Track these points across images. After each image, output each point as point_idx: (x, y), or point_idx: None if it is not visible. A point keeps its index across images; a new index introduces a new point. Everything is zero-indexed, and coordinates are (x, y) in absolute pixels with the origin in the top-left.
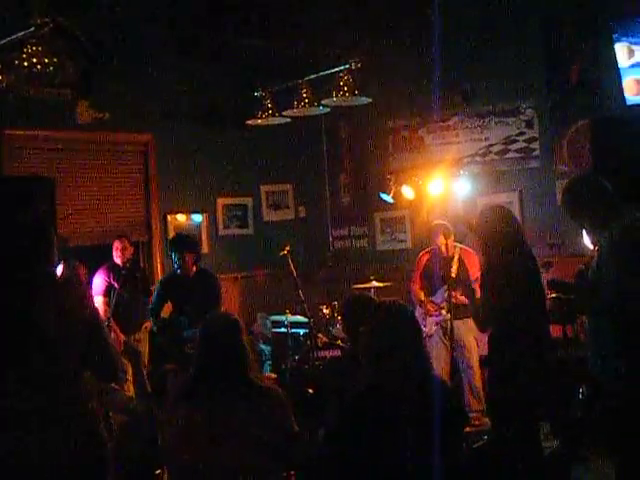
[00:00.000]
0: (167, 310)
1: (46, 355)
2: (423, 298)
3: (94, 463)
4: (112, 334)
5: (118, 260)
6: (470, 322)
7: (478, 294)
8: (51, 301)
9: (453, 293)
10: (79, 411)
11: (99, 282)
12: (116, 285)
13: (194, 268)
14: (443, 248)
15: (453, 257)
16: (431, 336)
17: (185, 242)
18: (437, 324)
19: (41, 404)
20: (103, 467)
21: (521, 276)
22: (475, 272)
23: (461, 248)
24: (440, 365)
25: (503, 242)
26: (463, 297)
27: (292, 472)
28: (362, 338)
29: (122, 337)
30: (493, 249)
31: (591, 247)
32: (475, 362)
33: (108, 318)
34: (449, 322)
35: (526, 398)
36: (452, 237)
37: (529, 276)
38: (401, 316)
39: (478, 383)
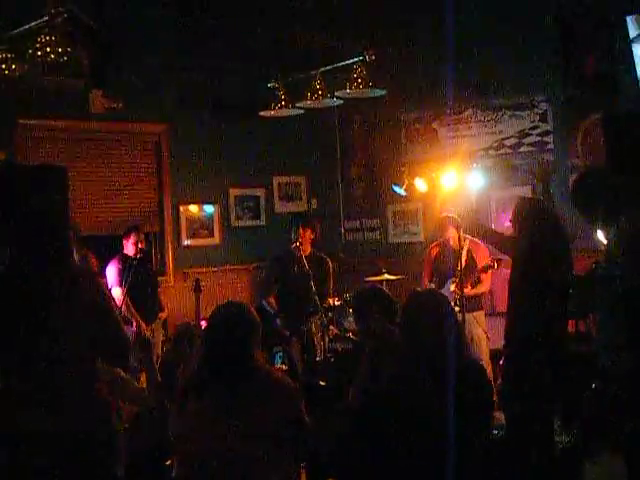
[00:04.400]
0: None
1: (55, 341)
2: None
3: (103, 450)
4: (134, 323)
5: (130, 252)
6: (479, 315)
7: (483, 286)
8: (63, 288)
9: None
10: (89, 397)
11: (113, 273)
12: (129, 275)
13: (309, 248)
14: (453, 241)
15: (462, 249)
16: None
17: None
18: None
19: (50, 389)
20: (112, 455)
21: (544, 267)
22: (483, 262)
23: (470, 240)
24: None
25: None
26: (467, 289)
27: (302, 464)
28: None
29: (144, 326)
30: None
31: (604, 242)
32: (485, 356)
33: (127, 308)
34: (459, 315)
35: (541, 392)
36: (461, 229)
37: (551, 268)
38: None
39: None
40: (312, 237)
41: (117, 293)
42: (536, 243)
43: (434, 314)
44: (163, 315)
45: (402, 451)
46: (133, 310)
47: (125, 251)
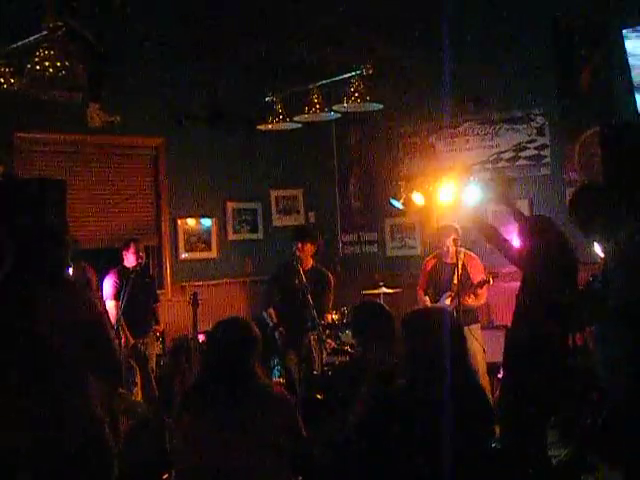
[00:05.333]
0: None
1: (49, 360)
2: (428, 304)
3: (98, 468)
4: (123, 338)
5: (130, 263)
6: (475, 329)
7: (481, 298)
8: (57, 305)
9: (460, 298)
10: (84, 416)
11: (109, 286)
12: (126, 289)
13: (311, 261)
14: (451, 250)
15: (456, 263)
16: None
17: (305, 231)
18: None
19: (45, 409)
20: (107, 472)
21: (555, 284)
22: (477, 277)
23: (465, 254)
24: None
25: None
26: (471, 299)
27: (300, 477)
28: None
29: (132, 341)
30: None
31: (602, 255)
32: (481, 369)
33: (117, 321)
34: None
35: (540, 406)
36: (459, 242)
37: (561, 286)
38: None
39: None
40: (313, 251)
41: (111, 306)
42: (549, 260)
43: (437, 328)
44: (159, 328)
45: (402, 461)
46: (124, 325)
47: (124, 263)
